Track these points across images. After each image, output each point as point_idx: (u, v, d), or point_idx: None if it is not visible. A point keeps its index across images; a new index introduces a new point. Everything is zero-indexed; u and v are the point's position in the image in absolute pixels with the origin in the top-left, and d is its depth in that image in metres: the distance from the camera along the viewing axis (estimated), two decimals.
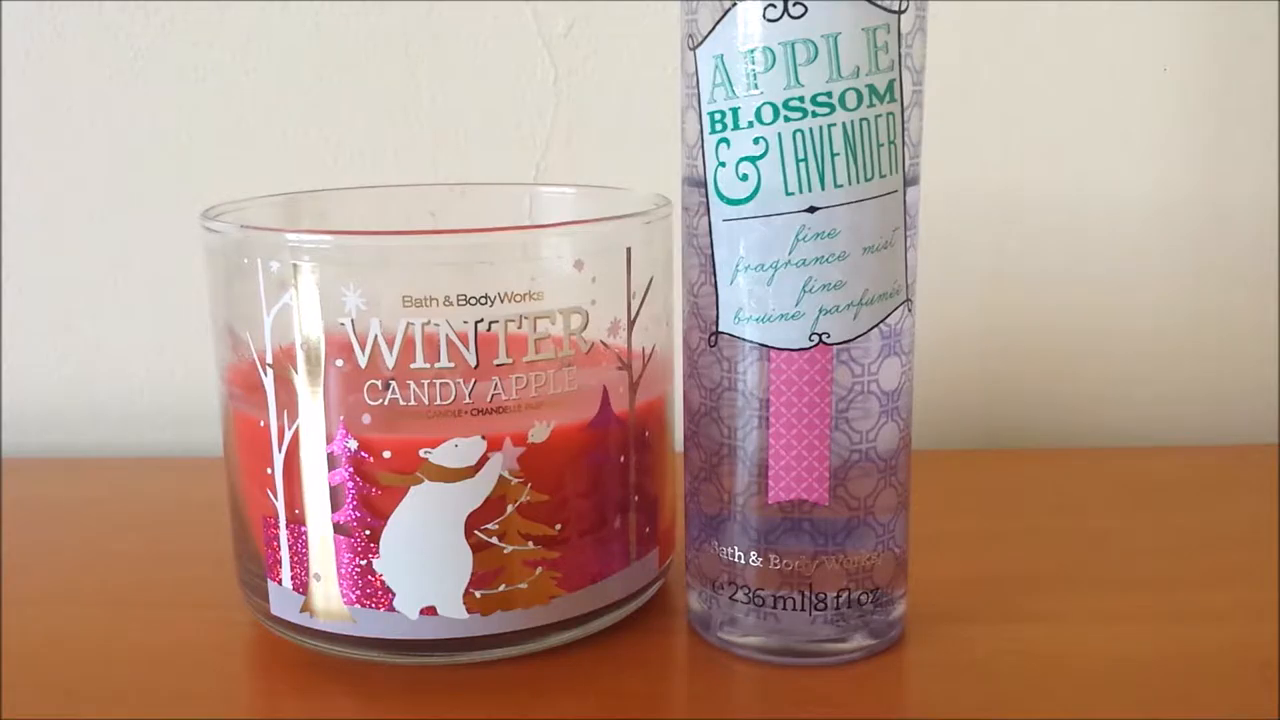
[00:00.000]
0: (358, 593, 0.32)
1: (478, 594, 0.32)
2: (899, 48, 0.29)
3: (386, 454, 0.31)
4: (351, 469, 0.31)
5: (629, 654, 0.34)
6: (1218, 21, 0.51)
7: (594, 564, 0.33)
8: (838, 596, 0.32)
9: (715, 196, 0.30)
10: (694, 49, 0.30)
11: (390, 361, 0.30)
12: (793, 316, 0.30)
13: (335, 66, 0.52)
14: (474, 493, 0.31)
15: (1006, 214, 0.53)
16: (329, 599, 0.32)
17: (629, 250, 0.33)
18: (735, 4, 0.29)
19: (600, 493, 0.33)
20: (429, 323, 0.30)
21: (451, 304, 0.30)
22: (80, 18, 0.52)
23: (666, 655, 0.34)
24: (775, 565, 0.32)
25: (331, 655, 0.33)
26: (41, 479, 0.50)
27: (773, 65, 0.29)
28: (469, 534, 0.31)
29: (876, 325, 0.31)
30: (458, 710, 0.31)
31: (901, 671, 0.33)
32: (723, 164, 0.30)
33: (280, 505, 0.32)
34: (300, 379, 0.31)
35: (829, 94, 0.29)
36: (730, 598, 0.33)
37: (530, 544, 0.32)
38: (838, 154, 0.29)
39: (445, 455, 0.31)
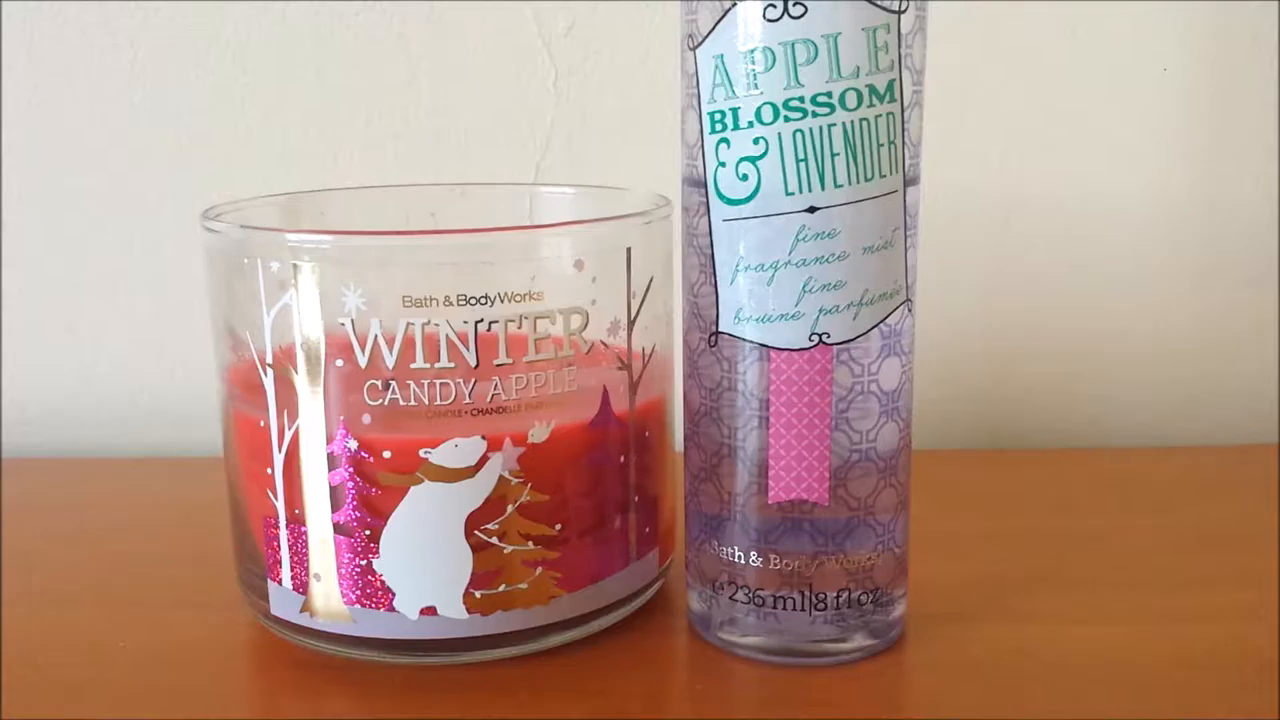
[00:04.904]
0: (358, 593, 0.32)
1: (478, 594, 0.32)
2: (899, 48, 0.29)
3: (386, 454, 0.31)
4: (351, 469, 0.31)
5: (629, 654, 0.34)
6: (1218, 21, 0.51)
7: (594, 564, 0.33)
8: (838, 596, 0.32)
9: (715, 196, 0.30)
10: (694, 49, 0.30)
11: (390, 361, 0.30)
12: (793, 316, 0.30)
13: (335, 66, 0.52)
14: (474, 493, 0.31)
15: (1006, 214, 0.53)
16: (329, 599, 0.32)
17: (629, 250, 0.33)
18: (735, 4, 0.29)
19: (600, 493, 0.33)
20: (429, 323, 0.30)
21: (451, 304, 0.30)
22: (80, 18, 0.52)
23: (666, 655, 0.34)
24: (775, 565, 0.32)
25: (331, 655, 0.33)
26: (41, 479, 0.50)
27: (773, 65, 0.29)
28: (469, 534, 0.31)
29: (876, 325, 0.31)
30: (458, 710, 0.31)
31: (901, 671, 0.33)
32: (723, 164, 0.30)
33: (280, 505, 0.32)
34: (300, 379, 0.31)
35: (829, 94, 0.29)
36: (730, 598, 0.33)
37: (530, 544, 0.32)
38: (838, 154, 0.29)
39: (445, 455, 0.31)
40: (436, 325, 0.30)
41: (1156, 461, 0.51)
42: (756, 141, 0.29)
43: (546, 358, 0.31)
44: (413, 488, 0.31)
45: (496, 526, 0.32)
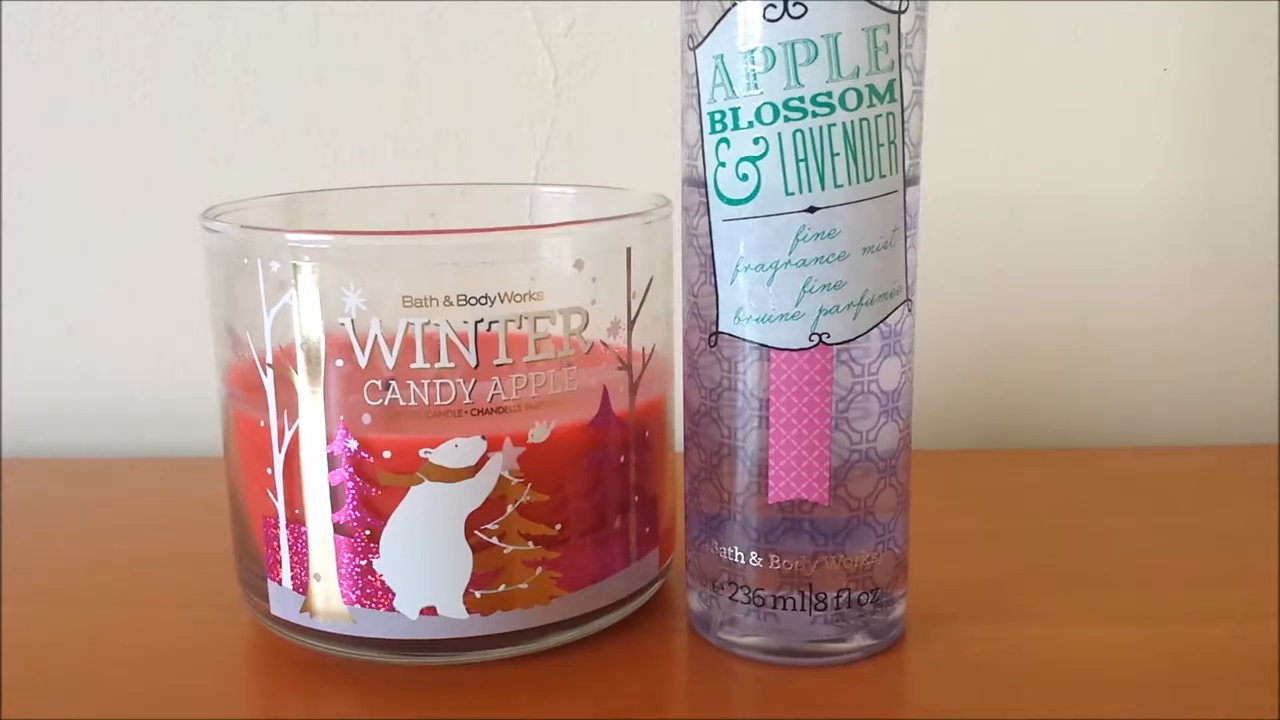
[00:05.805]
0: (358, 593, 0.32)
1: (478, 594, 0.32)
2: (899, 48, 0.29)
3: (386, 454, 0.31)
4: (351, 469, 0.31)
5: (629, 654, 0.34)
6: (1218, 21, 0.51)
7: (594, 564, 0.33)
8: (838, 596, 0.32)
9: (715, 196, 0.30)
10: (694, 49, 0.30)
11: (390, 361, 0.30)
12: (793, 316, 0.30)
13: (335, 66, 0.52)
14: (474, 493, 0.31)
15: (1006, 214, 0.53)
16: (329, 599, 0.32)
17: (629, 250, 0.33)
18: (735, 4, 0.29)
19: (600, 493, 0.33)
20: (429, 323, 0.30)
21: (451, 304, 0.30)
22: (80, 18, 0.52)
23: (666, 655, 0.34)
24: (775, 565, 0.32)
25: (331, 655, 0.33)
26: (41, 479, 0.50)
27: (773, 65, 0.29)
28: (469, 534, 0.31)
29: (876, 325, 0.31)
30: (458, 710, 0.31)
31: (901, 671, 0.33)
32: (723, 164, 0.30)
33: (280, 505, 0.32)
34: (300, 379, 0.31)
35: (829, 94, 0.29)
36: (730, 598, 0.33)
37: (530, 544, 0.32)
38: (838, 154, 0.29)
39: (445, 455, 0.31)
40: (436, 325, 0.30)
41: (1156, 461, 0.51)
42: (756, 141, 0.29)
43: (546, 358, 0.31)
44: (413, 488, 0.31)
45: (496, 526, 0.32)
